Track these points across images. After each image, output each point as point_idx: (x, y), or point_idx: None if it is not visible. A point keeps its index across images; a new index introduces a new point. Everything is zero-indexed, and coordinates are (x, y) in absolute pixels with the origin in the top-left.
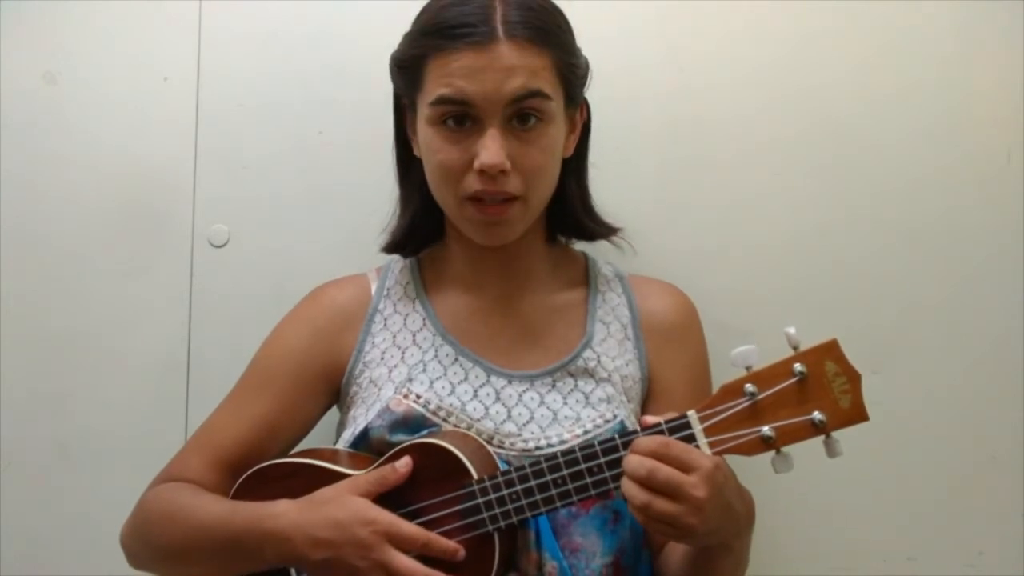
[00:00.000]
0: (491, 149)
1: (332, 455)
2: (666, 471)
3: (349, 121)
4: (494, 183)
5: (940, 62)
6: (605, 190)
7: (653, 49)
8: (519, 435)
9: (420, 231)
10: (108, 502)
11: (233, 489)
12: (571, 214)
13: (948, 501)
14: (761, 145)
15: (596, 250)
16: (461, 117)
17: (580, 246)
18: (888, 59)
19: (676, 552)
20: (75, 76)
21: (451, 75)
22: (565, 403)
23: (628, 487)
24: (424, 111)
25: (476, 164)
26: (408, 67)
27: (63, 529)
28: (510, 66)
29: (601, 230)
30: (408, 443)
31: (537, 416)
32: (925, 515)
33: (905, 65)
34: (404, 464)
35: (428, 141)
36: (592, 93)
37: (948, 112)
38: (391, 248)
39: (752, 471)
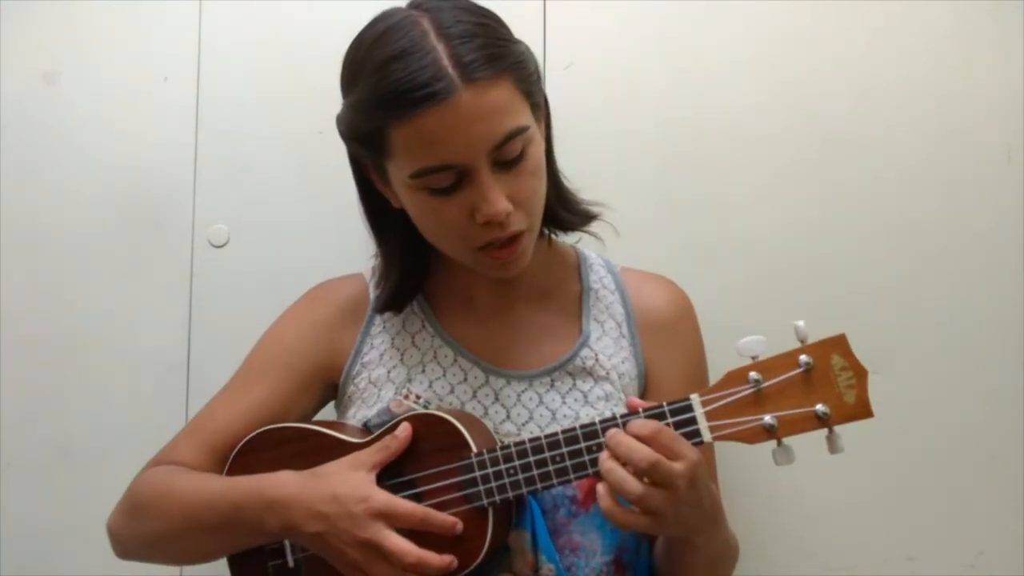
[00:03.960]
0: (491, 199)
1: (331, 425)
2: (664, 463)
3: None
4: (502, 228)
5: (940, 62)
6: (604, 190)
7: (652, 49)
8: (518, 434)
9: (411, 282)
10: (108, 502)
11: (233, 453)
12: (549, 210)
13: (948, 501)
14: (760, 146)
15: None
16: (448, 178)
17: (576, 236)
18: (888, 59)
19: (658, 546)
20: (75, 76)
21: (424, 144)
22: (564, 402)
23: (624, 476)
24: (404, 181)
25: (479, 218)
26: (368, 139)
27: (63, 529)
28: (480, 114)
29: (578, 220)
30: (410, 414)
31: (536, 416)
32: (925, 515)
33: (905, 65)
34: (403, 430)
35: (418, 206)
36: (591, 93)
37: (948, 112)
38: (387, 308)
39: (753, 470)
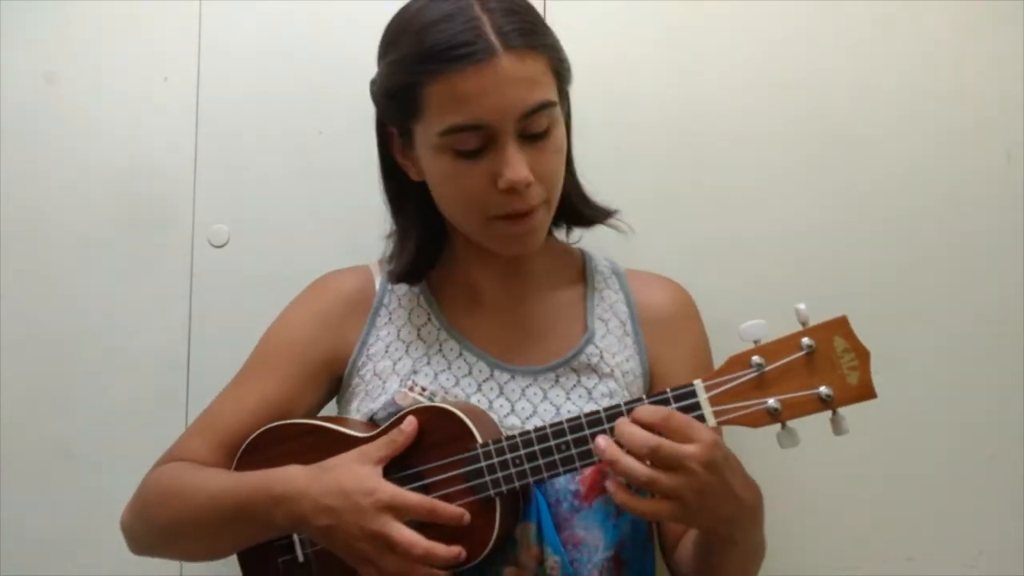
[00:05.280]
0: (514, 165)
1: (336, 420)
2: (668, 445)
3: (349, 121)
4: (521, 199)
5: (940, 62)
6: (605, 189)
7: (652, 49)
8: (522, 428)
9: (427, 255)
10: (108, 502)
11: (240, 450)
12: (567, 203)
13: (948, 501)
14: (760, 147)
15: (597, 235)
16: (475, 140)
17: (577, 236)
18: (888, 59)
19: (686, 546)
20: (75, 76)
21: (459, 100)
22: (568, 398)
23: (630, 464)
24: (431, 140)
25: (501, 183)
26: (401, 96)
27: (63, 529)
28: (515, 79)
29: (597, 214)
30: (415, 407)
31: (540, 411)
32: (925, 515)
33: (905, 65)
34: (409, 424)
35: (440, 168)
36: (592, 90)
37: (948, 112)
38: (402, 279)
39: (752, 470)
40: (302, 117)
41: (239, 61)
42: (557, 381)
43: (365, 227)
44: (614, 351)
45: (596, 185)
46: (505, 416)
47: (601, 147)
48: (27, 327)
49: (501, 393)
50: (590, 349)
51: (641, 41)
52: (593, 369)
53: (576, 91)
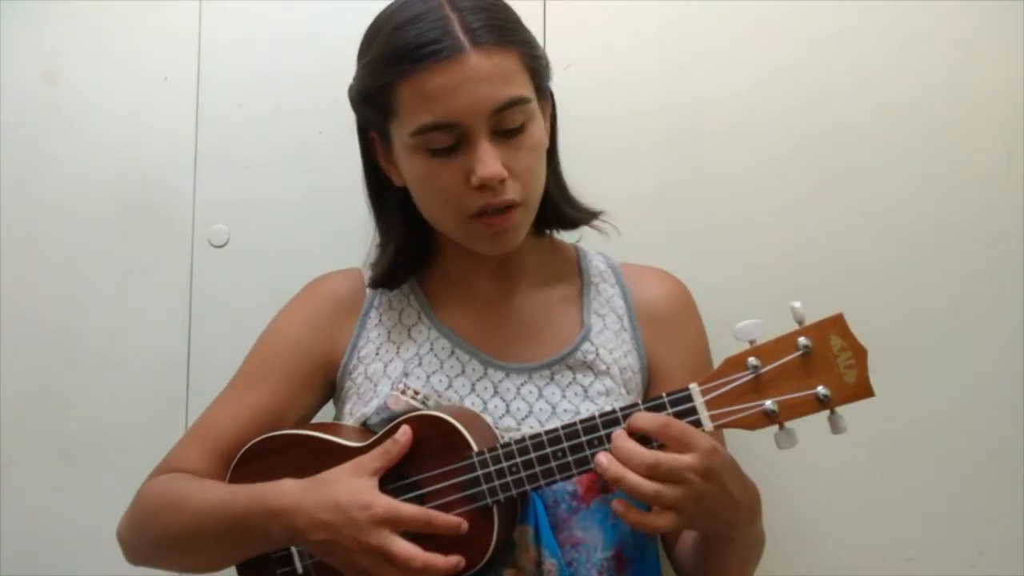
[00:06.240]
0: (486, 161)
1: (330, 428)
2: (666, 460)
3: (349, 121)
4: (495, 194)
5: (940, 64)
6: (604, 188)
7: (652, 49)
8: (518, 429)
9: (406, 260)
10: (108, 502)
11: (234, 462)
12: (550, 204)
13: (948, 501)
14: (760, 148)
15: (595, 233)
16: (447, 138)
17: (567, 236)
18: (888, 61)
19: (686, 542)
20: (75, 76)
21: (428, 99)
22: (564, 396)
23: (636, 481)
24: (405, 140)
25: (474, 180)
26: (375, 98)
27: (63, 529)
28: (484, 75)
29: (582, 216)
30: (409, 415)
31: (536, 410)
32: (925, 515)
33: (905, 67)
34: (403, 433)
35: (416, 169)
36: (591, 93)
37: (948, 114)
38: (380, 283)
39: (752, 471)
40: (302, 117)
41: (239, 61)
42: (552, 379)
43: (365, 227)
44: (611, 347)
45: (594, 183)
46: (500, 417)
47: (599, 145)
48: (27, 327)
49: (496, 393)
50: (586, 346)
51: (641, 39)
52: (589, 367)
53: (575, 88)
